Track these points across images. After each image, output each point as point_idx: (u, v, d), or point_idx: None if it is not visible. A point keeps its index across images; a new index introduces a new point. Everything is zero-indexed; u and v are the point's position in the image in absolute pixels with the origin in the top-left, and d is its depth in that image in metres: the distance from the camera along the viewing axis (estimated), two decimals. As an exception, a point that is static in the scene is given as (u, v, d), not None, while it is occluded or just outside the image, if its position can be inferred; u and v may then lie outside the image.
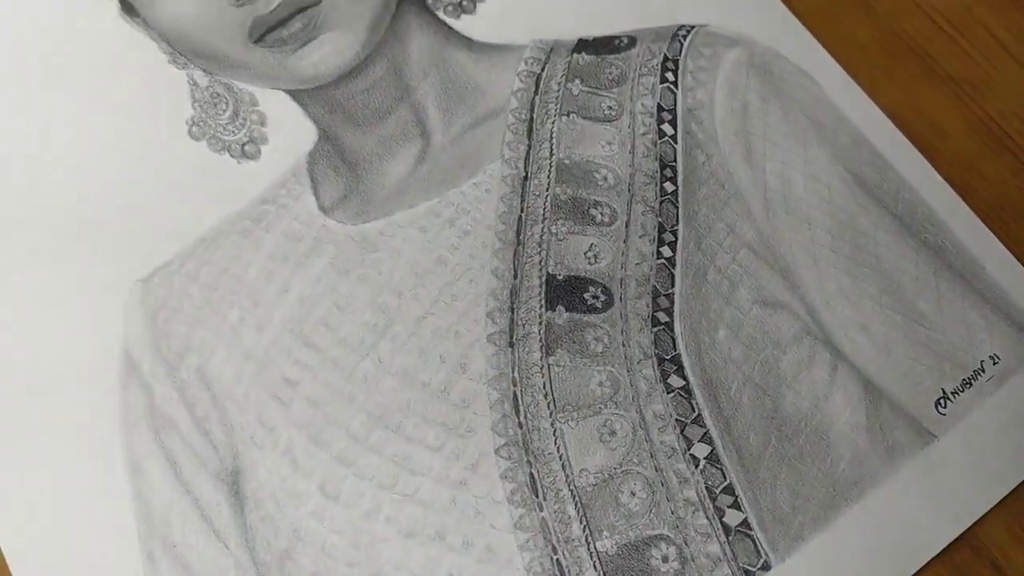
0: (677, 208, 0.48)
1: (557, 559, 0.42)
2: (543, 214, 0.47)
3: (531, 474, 0.43)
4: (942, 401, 0.45)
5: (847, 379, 0.45)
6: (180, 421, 0.45)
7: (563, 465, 0.43)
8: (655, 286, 0.46)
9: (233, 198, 0.49)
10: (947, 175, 0.49)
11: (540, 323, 0.45)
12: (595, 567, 0.42)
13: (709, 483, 0.43)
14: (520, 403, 0.44)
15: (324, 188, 0.49)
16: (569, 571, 0.42)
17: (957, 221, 0.48)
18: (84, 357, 0.46)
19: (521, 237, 0.47)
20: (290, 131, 0.50)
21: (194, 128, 0.50)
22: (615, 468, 0.43)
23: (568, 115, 0.50)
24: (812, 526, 0.42)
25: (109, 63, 0.51)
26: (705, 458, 0.43)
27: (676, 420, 0.43)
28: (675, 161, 0.48)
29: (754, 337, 0.45)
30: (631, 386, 0.44)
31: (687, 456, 0.43)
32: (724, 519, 0.42)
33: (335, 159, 0.50)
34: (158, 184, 0.49)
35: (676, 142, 0.49)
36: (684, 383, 0.44)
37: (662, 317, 0.45)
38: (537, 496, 0.43)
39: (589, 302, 0.46)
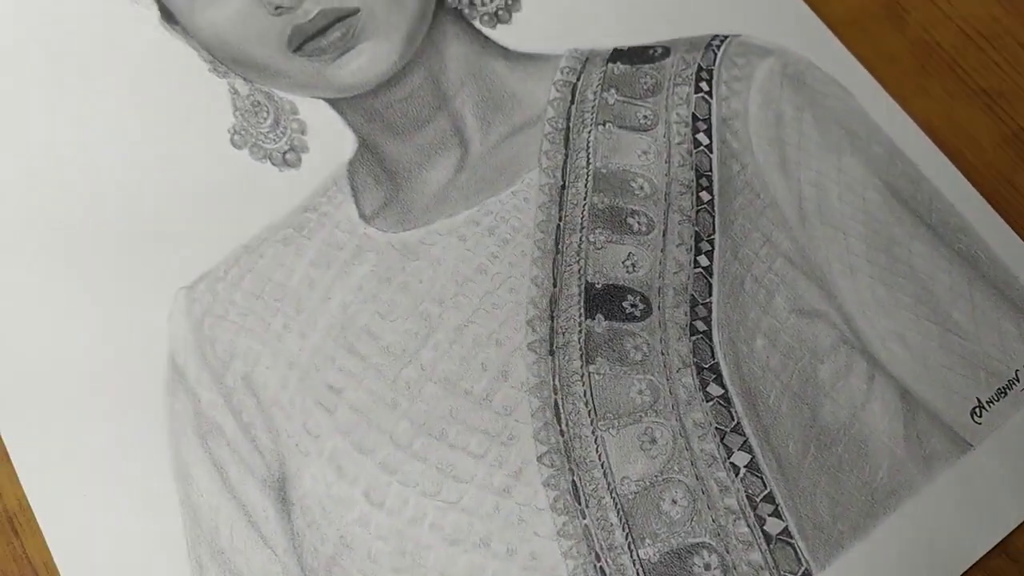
0: (713, 217, 0.48)
1: (600, 566, 0.42)
2: (581, 223, 0.48)
3: (573, 482, 0.43)
4: (977, 410, 0.45)
5: (884, 388, 0.45)
6: (226, 427, 0.45)
7: (605, 473, 0.43)
8: (693, 295, 0.46)
9: (275, 206, 0.49)
10: (979, 185, 0.49)
11: (580, 331, 0.45)
12: (638, 575, 0.42)
13: (750, 491, 0.43)
14: (561, 411, 0.44)
15: (365, 196, 0.50)
16: (612, 578, 0.42)
17: (990, 231, 0.48)
18: (130, 364, 0.46)
19: (560, 246, 0.47)
20: (330, 139, 0.50)
21: (236, 136, 0.51)
22: (656, 476, 0.43)
23: (604, 124, 0.50)
24: (852, 534, 0.43)
25: (151, 71, 0.52)
26: (745, 466, 0.43)
27: (716, 428, 0.44)
28: (711, 171, 0.49)
29: (791, 346, 0.46)
30: (671, 394, 0.44)
31: (727, 464, 0.43)
32: (765, 527, 0.42)
33: (375, 168, 0.50)
34: (201, 192, 0.50)
35: (711, 152, 0.49)
36: (723, 391, 0.44)
37: (700, 326, 0.46)
38: (580, 504, 0.43)
39: (628, 310, 0.46)
